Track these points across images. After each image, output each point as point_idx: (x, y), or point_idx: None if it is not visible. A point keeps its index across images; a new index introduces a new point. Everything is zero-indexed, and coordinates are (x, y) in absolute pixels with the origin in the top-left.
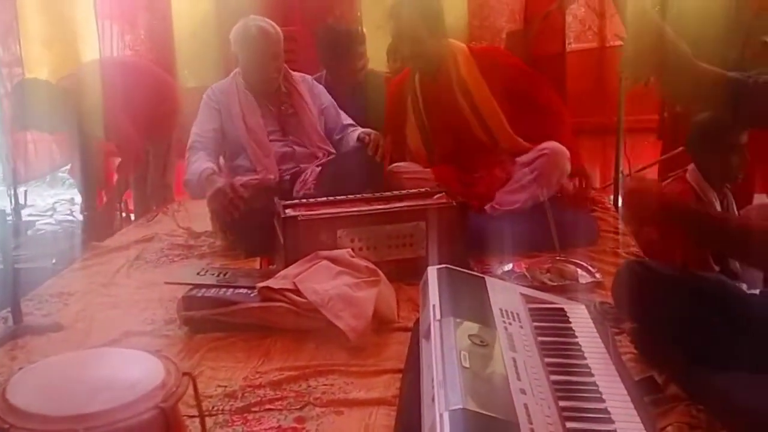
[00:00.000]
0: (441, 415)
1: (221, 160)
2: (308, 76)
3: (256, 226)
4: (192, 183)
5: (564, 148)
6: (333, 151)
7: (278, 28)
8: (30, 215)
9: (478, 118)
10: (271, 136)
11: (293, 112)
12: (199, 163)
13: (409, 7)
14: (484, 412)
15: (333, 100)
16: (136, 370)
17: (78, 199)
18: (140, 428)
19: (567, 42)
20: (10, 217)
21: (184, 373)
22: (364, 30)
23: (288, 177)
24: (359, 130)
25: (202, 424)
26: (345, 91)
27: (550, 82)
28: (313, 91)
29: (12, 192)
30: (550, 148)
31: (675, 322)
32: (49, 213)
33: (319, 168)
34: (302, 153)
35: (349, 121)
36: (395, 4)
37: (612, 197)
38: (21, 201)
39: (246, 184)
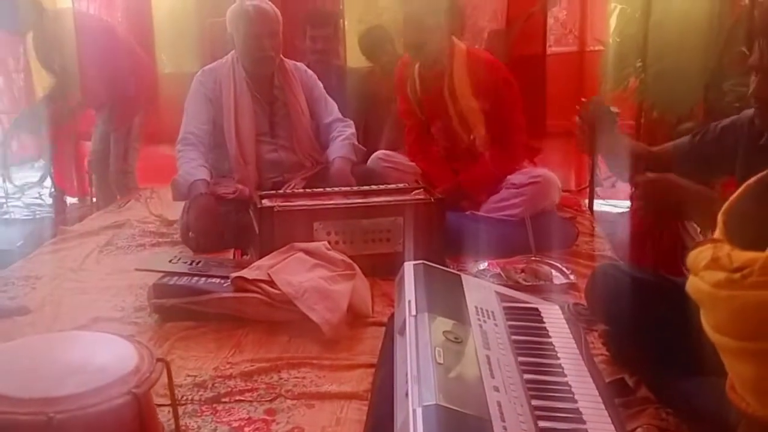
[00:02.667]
0: (414, 411)
1: None
2: (301, 65)
3: (220, 236)
4: (179, 185)
5: (556, 178)
6: (320, 160)
7: (275, 8)
8: None
9: (459, 115)
10: (259, 138)
11: (285, 113)
12: (192, 166)
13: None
14: (458, 409)
15: (323, 89)
16: (108, 354)
17: (47, 182)
18: (112, 414)
19: (548, 45)
20: None
21: (158, 359)
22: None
23: (270, 186)
24: (347, 132)
25: (175, 411)
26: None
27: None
28: (305, 81)
29: None
30: (543, 177)
31: (645, 325)
32: (17, 196)
33: (303, 182)
34: (289, 161)
35: (337, 115)
36: None
37: (587, 200)
38: None
39: (222, 197)
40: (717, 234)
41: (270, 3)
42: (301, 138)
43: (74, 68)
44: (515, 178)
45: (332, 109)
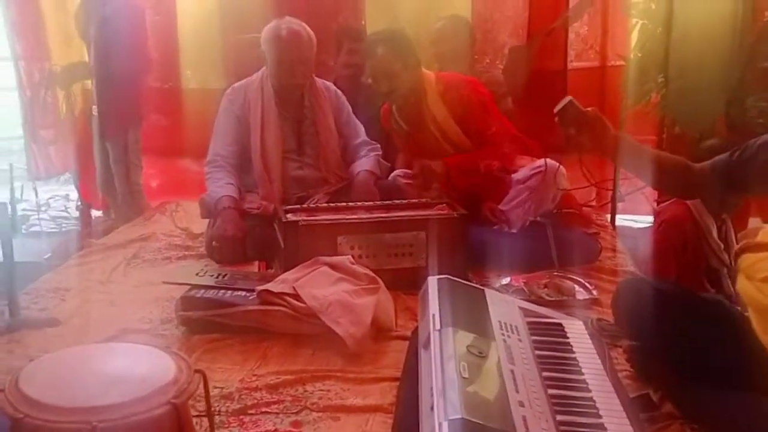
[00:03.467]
0: (440, 425)
1: None
2: (330, 85)
3: (243, 248)
4: (207, 203)
5: (558, 165)
6: (345, 176)
7: (311, 32)
8: (24, 210)
9: (444, 137)
10: (285, 155)
11: (314, 131)
12: (220, 186)
13: (382, 44)
14: (484, 423)
15: (351, 111)
16: (147, 365)
17: (73, 195)
18: (152, 423)
19: (569, 60)
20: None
21: (196, 371)
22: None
23: (294, 201)
24: (372, 155)
25: (211, 421)
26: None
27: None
28: (334, 103)
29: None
30: (545, 165)
31: (672, 339)
32: (43, 209)
33: (327, 197)
34: (314, 177)
35: (365, 138)
36: (370, 43)
37: (609, 216)
38: (17, 196)
39: (246, 213)
40: None
41: (305, 27)
42: (328, 157)
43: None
44: (519, 174)
45: (360, 131)
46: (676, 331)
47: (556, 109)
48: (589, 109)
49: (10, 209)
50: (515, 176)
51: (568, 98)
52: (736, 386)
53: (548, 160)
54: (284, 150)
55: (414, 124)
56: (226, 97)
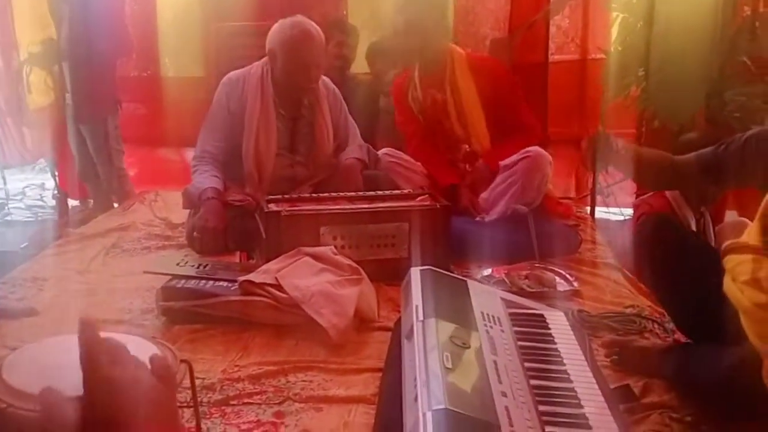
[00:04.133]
0: (424, 415)
1: None
2: (329, 83)
3: (224, 238)
4: (190, 194)
5: (546, 154)
6: (331, 169)
7: (320, 30)
8: (0, 199)
9: (460, 118)
10: (277, 153)
11: (309, 131)
12: (206, 177)
13: (418, 4)
14: (467, 413)
15: (347, 111)
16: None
17: (48, 184)
18: None
19: (550, 52)
20: None
21: (182, 360)
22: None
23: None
24: (357, 145)
25: (196, 411)
26: None
27: (531, 96)
28: (332, 103)
29: None
30: (533, 152)
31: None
32: (18, 197)
33: (311, 188)
34: (303, 176)
35: (360, 141)
36: (405, 1)
37: (588, 208)
38: None
39: (228, 204)
40: (754, 236)
41: (314, 25)
42: (319, 156)
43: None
44: (508, 159)
45: (355, 133)
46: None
47: None
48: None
49: None
50: (503, 162)
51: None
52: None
53: (536, 147)
54: (277, 147)
55: (431, 100)
56: (221, 88)
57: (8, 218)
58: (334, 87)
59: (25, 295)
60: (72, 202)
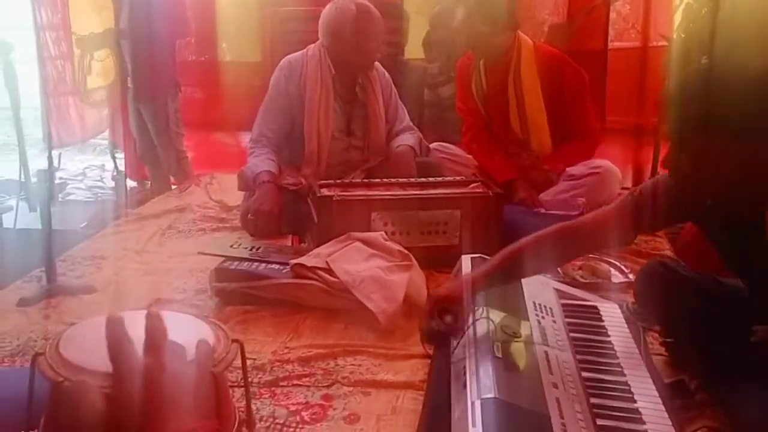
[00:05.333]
0: (473, 403)
1: None
2: (380, 66)
3: (278, 221)
4: (246, 176)
5: (616, 170)
6: (384, 154)
7: (378, 12)
8: (61, 179)
9: (521, 112)
10: (334, 135)
11: (363, 113)
12: (261, 160)
13: None
14: (517, 403)
15: (397, 94)
16: (186, 334)
17: (108, 165)
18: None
19: (609, 39)
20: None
21: (234, 340)
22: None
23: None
24: (409, 133)
25: (247, 392)
26: None
27: (589, 84)
28: (384, 86)
29: (48, 154)
30: (604, 168)
31: (694, 326)
32: (79, 178)
33: (364, 174)
34: (359, 160)
35: (408, 123)
36: None
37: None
38: (55, 164)
39: (282, 188)
40: None
41: (370, 4)
42: (374, 139)
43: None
44: (574, 169)
45: (404, 117)
46: (695, 317)
47: None
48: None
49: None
50: (569, 170)
51: None
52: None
53: (607, 162)
54: (333, 129)
55: (494, 87)
56: (279, 72)
57: (69, 198)
58: (384, 70)
59: (84, 273)
60: (130, 183)
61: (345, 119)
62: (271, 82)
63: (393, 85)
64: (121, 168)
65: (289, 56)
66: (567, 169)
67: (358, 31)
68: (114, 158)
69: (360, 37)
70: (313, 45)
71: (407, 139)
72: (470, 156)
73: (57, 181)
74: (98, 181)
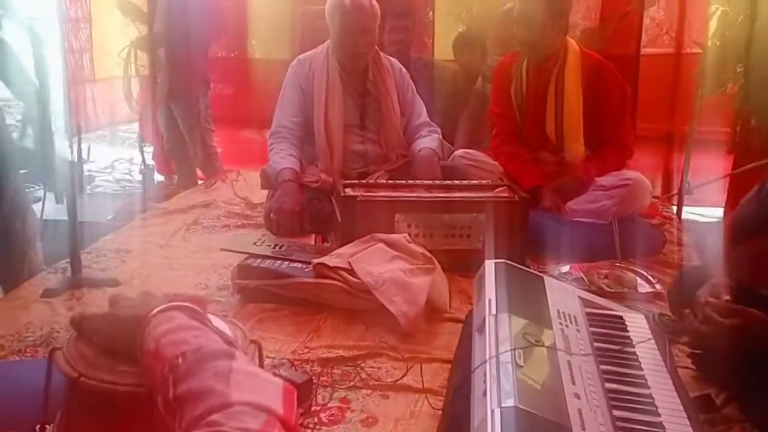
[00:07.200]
0: (493, 411)
1: None
2: (396, 62)
3: (301, 221)
4: (268, 174)
5: (647, 182)
6: (406, 154)
7: (375, 3)
8: (90, 171)
9: (558, 117)
10: (348, 130)
11: (377, 107)
12: (282, 157)
13: None
14: (537, 413)
15: (415, 90)
16: None
17: (136, 159)
18: None
19: (642, 45)
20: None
21: (251, 341)
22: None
23: (354, 176)
24: (434, 135)
25: None
26: None
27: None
28: (399, 80)
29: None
30: (634, 179)
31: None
32: (107, 171)
33: (387, 175)
34: (375, 153)
35: (426, 119)
36: None
37: (675, 207)
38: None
39: (305, 186)
40: None
41: None
42: (389, 133)
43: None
44: (605, 179)
45: (421, 112)
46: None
47: None
48: None
49: (75, 168)
50: (599, 179)
51: None
52: None
53: (638, 174)
54: (347, 124)
55: (534, 91)
56: (291, 69)
57: (97, 190)
58: (400, 66)
59: (108, 266)
60: (158, 177)
61: (358, 113)
62: (284, 80)
63: (410, 80)
64: (149, 162)
65: (301, 54)
66: (597, 179)
67: (348, 16)
68: (142, 152)
69: (350, 22)
70: (324, 43)
71: (428, 142)
72: (496, 162)
73: (86, 174)
74: (126, 174)
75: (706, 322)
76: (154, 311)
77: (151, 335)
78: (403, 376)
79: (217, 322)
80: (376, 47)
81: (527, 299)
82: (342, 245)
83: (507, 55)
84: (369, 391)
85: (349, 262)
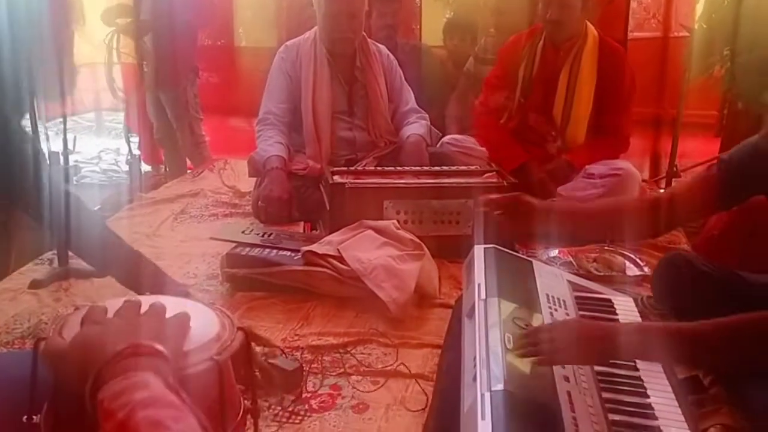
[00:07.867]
0: (482, 395)
1: None
2: (383, 48)
3: (289, 208)
4: (255, 162)
5: (637, 173)
6: (394, 141)
7: None
8: (76, 161)
9: (567, 101)
10: (336, 116)
11: (364, 94)
12: (270, 145)
13: None
14: (527, 396)
15: (403, 77)
16: (191, 320)
17: (123, 149)
18: (193, 379)
19: (629, 29)
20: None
21: (239, 328)
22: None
23: (342, 163)
24: (422, 122)
25: (253, 380)
26: None
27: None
28: (386, 67)
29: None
30: (625, 170)
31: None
32: (94, 161)
33: (376, 161)
34: (363, 140)
35: (414, 105)
36: None
37: (663, 191)
38: (70, 147)
39: (293, 173)
40: None
41: None
42: (377, 119)
43: None
44: (595, 168)
45: (409, 98)
46: (714, 313)
47: None
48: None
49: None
50: (589, 168)
51: None
52: None
53: (628, 164)
54: (334, 111)
55: (544, 74)
56: (278, 55)
57: (83, 181)
58: (388, 52)
59: None
60: (145, 168)
61: (345, 100)
62: (272, 67)
63: (398, 67)
64: (136, 152)
65: (288, 41)
66: (587, 166)
67: (337, 7)
68: (129, 142)
69: (338, 11)
70: (312, 30)
71: (417, 128)
72: (483, 149)
73: (72, 164)
74: (113, 164)
75: None
76: (117, 350)
77: (120, 399)
78: (394, 362)
79: (205, 311)
80: (364, 33)
81: (516, 283)
82: (331, 232)
83: (519, 34)
84: (359, 378)
85: (338, 250)
